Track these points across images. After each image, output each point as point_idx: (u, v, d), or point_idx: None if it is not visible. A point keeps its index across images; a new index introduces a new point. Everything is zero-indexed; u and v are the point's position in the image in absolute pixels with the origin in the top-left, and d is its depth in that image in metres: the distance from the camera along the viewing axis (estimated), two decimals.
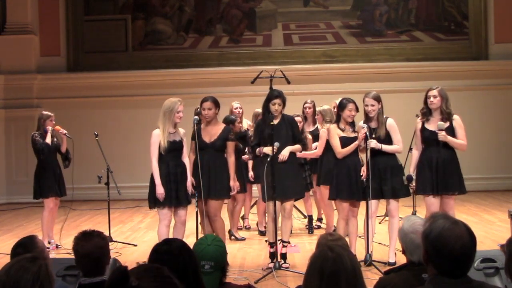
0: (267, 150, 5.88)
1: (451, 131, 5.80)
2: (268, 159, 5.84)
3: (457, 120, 5.85)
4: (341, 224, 6.10)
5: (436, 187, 5.79)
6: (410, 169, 6.02)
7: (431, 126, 5.87)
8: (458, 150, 5.89)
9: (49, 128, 7.18)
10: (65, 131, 7.27)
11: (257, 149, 6.05)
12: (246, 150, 7.49)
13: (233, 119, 7.34)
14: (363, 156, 6.18)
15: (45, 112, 7.39)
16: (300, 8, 12.43)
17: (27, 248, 3.06)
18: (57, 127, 7.26)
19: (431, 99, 5.84)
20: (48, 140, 7.13)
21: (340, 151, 6.04)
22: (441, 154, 5.78)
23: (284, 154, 5.94)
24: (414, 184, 5.99)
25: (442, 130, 5.72)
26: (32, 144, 7.21)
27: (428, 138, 5.87)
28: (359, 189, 5.98)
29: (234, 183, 6.12)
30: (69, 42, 12.39)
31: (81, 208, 10.58)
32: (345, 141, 6.04)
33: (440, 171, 5.77)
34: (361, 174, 5.93)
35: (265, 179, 5.86)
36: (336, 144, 6.07)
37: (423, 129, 5.92)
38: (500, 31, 12.01)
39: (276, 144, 5.82)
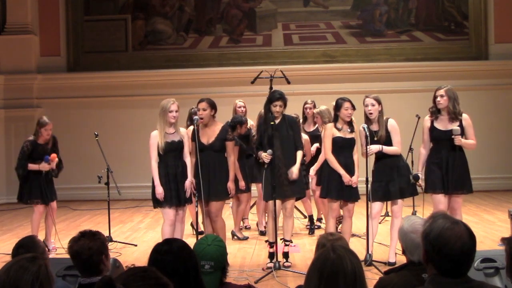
0: (264, 156, 5.91)
1: (460, 130, 5.79)
2: (265, 166, 5.89)
3: (466, 120, 5.86)
4: (331, 223, 6.10)
5: (447, 186, 5.79)
6: (419, 168, 6.01)
7: (440, 125, 5.86)
8: (467, 149, 5.89)
9: (45, 165, 6.89)
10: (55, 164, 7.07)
11: (258, 153, 6.08)
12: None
13: (242, 121, 7.32)
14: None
15: (43, 119, 7.10)
16: (300, 8, 12.43)
17: (29, 249, 3.06)
18: (53, 155, 6.98)
19: (438, 98, 5.84)
20: (35, 167, 6.90)
21: (329, 156, 6.02)
22: (452, 154, 5.78)
23: (295, 172, 5.99)
24: (421, 183, 5.97)
25: (458, 135, 5.72)
26: (19, 153, 7.01)
27: (438, 138, 5.86)
28: (350, 189, 5.99)
29: (231, 185, 6.11)
30: (69, 42, 12.39)
31: (81, 208, 10.59)
32: (340, 142, 6.03)
33: (451, 170, 5.76)
34: (350, 180, 5.94)
35: (264, 180, 5.89)
36: (327, 145, 6.06)
37: (432, 128, 5.91)
38: (500, 31, 12.01)
39: (269, 151, 5.85)
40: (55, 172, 7.16)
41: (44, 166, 6.92)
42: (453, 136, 5.73)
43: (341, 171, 5.96)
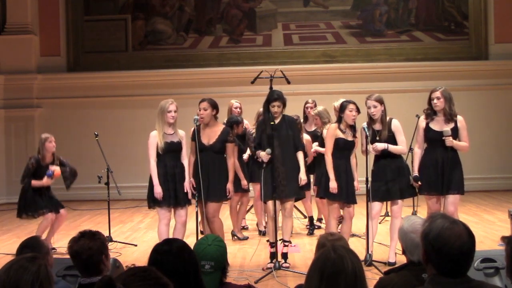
0: (263, 155, 5.90)
1: (455, 132, 5.80)
2: (264, 166, 5.88)
3: (461, 121, 5.86)
4: (332, 223, 6.10)
5: (441, 187, 5.79)
6: (414, 168, 6.02)
7: (436, 126, 5.86)
8: (460, 151, 5.90)
9: (48, 180, 6.89)
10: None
11: (256, 152, 6.08)
12: (247, 150, 7.49)
13: (238, 120, 7.32)
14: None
15: (42, 135, 7.11)
16: (300, 8, 12.43)
17: (33, 249, 3.06)
18: (57, 172, 6.97)
19: (435, 101, 5.83)
20: (39, 184, 6.87)
21: (328, 157, 6.01)
22: (446, 155, 5.79)
23: (303, 178, 6.00)
24: (420, 183, 5.97)
25: (448, 136, 5.73)
26: (24, 169, 6.98)
27: (433, 139, 5.87)
28: (349, 191, 5.99)
29: (230, 186, 6.09)
30: (69, 42, 12.39)
31: (81, 208, 10.59)
32: (342, 143, 6.02)
33: (445, 171, 5.77)
34: (335, 188, 5.92)
35: (263, 180, 5.89)
36: (329, 145, 6.05)
37: (428, 129, 5.91)
38: (500, 31, 12.01)
39: (268, 150, 5.84)
40: (67, 184, 7.14)
41: (47, 181, 6.91)
42: (443, 138, 5.74)
43: (331, 175, 5.95)
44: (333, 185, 5.93)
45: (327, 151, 6.07)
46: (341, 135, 6.03)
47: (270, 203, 5.93)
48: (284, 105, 6.06)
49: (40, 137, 7.15)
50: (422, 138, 5.98)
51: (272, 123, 5.83)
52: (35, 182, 6.90)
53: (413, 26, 12.29)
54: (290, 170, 5.99)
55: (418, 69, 11.84)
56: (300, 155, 6.11)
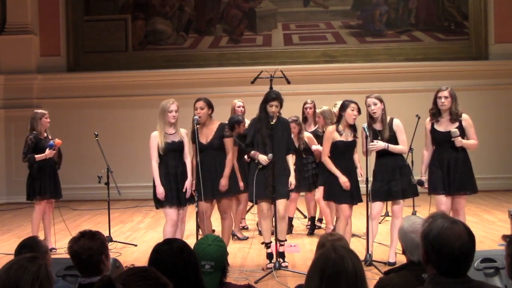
0: (262, 159, 5.88)
1: (461, 131, 5.79)
2: (260, 167, 5.89)
3: (467, 120, 5.84)
4: (342, 224, 6.07)
5: (449, 187, 5.78)
6: (422, 170, 5.99)
7: (441, 127, 5.84)
8: (469, 149, 5.89)
9: (51, 152, 6.97)
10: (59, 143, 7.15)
11: (252, 152, 6.02)
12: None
13: (239, 120, 7.32)
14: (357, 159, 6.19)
15: (38, 111, 7.19)
16: (300, 8, 12.43)
17: (32, 250, 3.06)
18: (58, 141, 7.08)
19: (442, 100, 5.80)
20: (42, 156, 6.92)
21: (325, 159, 6.01)
22: (454, 155, 5.78)
23: (293, 182, 5.98)
24: (426, 186, 5.95)
25: (457, 136, 5.72)
26: (24, 147, 7.03)
27: (440, 140, 5.85)
28: (353, 192, 5.97)
29: (224, 181, 6.04)
30: (69, 42, 12.39)
31: (81, 208, 10.59)
32: (342, 146, 6.00)
33: (454, 171, 5.76)
34: (346, 181, 5.90)
35: (255, 181, 5.89)
36: (325, 149, 6.03)
37: (433, 130, 5.88)
38: (500, 31, 12.01)
39: (270, 155, 5.83)
40: (58, 164, 7.23)
41: (50, 153, 6.99)
42: (453, 139, 5.72)
43: (337, 173, 5.93)
44: (343, 179, 5.91)
45: (323, 154, 6.06)
46: (339, 138, 5.99)
47: (263, 203, 5.94)
48: (281, 105, 6.03)
49: (35, 113, 7.16)
50: (430, 141, 5.95)
51: (272, 123, 5.81)
52: (39, 156, 6.96)
53: (413, 26, 12.29)
54: (281, 171, 5.96)
55: (418, 69, 11.84)
56: (291, 158, 6.11)
